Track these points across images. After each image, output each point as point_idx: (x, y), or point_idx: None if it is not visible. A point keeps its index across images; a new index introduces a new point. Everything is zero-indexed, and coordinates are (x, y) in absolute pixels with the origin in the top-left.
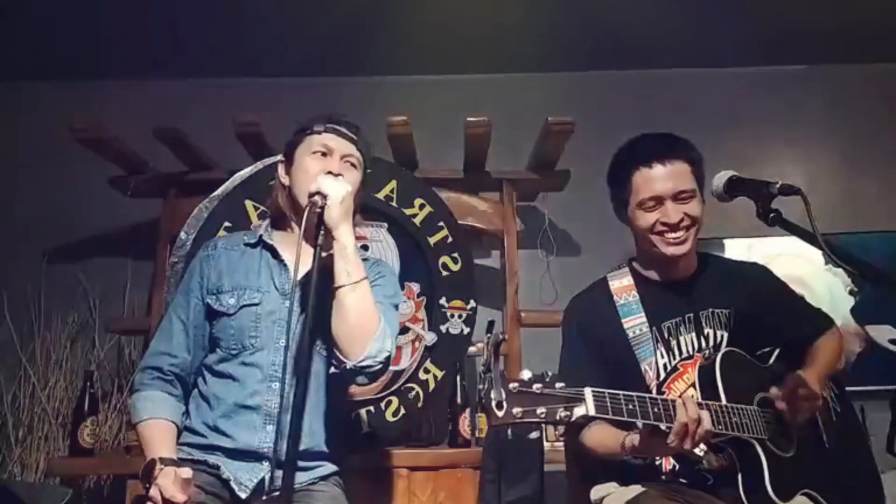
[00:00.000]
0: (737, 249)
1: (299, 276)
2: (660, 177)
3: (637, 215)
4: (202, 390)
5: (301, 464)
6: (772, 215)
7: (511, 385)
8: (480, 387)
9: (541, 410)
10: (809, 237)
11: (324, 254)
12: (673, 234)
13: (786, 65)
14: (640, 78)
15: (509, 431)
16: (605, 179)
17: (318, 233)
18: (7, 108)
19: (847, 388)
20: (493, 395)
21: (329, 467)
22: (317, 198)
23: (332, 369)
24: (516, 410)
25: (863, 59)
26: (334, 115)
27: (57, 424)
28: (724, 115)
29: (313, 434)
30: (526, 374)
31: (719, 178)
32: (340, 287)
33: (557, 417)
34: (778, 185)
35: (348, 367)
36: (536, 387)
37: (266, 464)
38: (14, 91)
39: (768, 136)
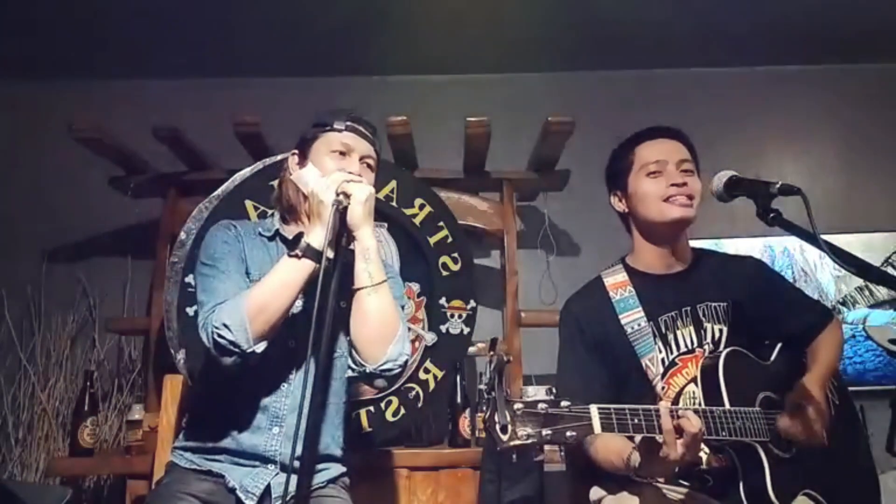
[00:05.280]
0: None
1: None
2: (663, 146)
3: (641, 184)
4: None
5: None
6: (772, 215)
7: (516, 406)
8: (483, 410)
9: (546, 432)
10: (809, 237)
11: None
12: (681, 196)
13: (786, 65)
14: (640, 78)
15: (514, 456)
16: (605, 179)
17: (341, 233)
18: (7, 108)
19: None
20: (497, 419)
21: (337, 468)
22: (341, 197)
23: (350, 372)
24: (522, 433)
25: (863, 59)
26: (354, 113)
27: (57, 424)
28: (724, 115)
29: (322, 436)
30: (531, 392)
31: (719, 178)
32: (361, 289)
33: (564, 439)
34: (778, 185)
35: (368, 370)
36: (542, 406)
37: (272, 467)
38: (14, 91)
39: (768, 136)
